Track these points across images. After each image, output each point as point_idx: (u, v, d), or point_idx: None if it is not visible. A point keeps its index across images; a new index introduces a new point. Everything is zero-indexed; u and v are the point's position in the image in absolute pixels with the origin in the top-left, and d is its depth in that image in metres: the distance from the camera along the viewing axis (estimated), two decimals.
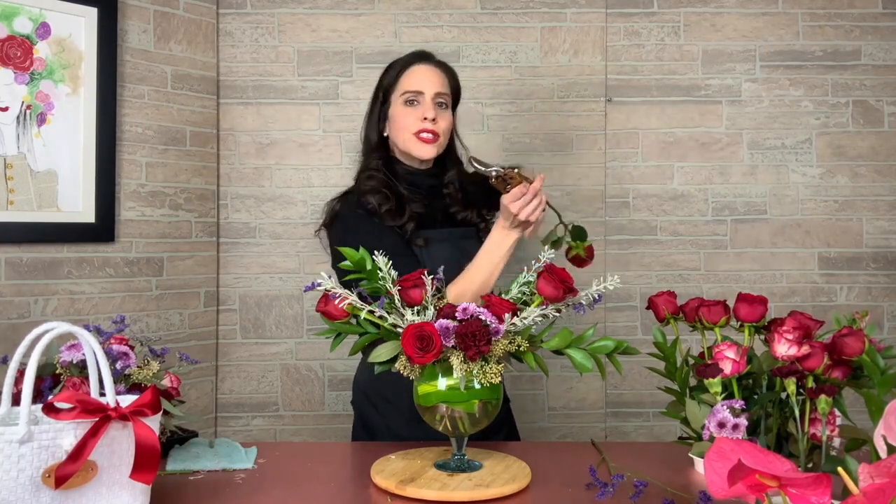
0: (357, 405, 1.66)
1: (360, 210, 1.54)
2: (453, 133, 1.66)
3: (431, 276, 1.21)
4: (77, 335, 0.99)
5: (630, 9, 2.43)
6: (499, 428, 1.60)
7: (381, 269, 1.21)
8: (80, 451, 0.93)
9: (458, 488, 1.11)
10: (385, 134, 1.63)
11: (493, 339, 1.12)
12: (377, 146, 1.62)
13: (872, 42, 2.42)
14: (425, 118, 1.54)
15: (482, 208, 1.67)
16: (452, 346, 1.12)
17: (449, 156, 1.66)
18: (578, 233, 1.52)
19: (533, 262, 1.24)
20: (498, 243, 1.45)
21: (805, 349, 1.14)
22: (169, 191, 2.26)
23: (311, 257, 2.41)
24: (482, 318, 1.13)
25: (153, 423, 1.01)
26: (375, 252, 1.22)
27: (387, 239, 1.45)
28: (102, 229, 2.09)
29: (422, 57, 1.61)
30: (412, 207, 1.54)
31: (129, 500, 1.00)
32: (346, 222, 1.54)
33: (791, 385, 1.11)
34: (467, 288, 1.41)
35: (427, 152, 1.56)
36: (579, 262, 1.51)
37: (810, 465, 1.13)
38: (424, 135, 1.55)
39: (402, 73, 1.59)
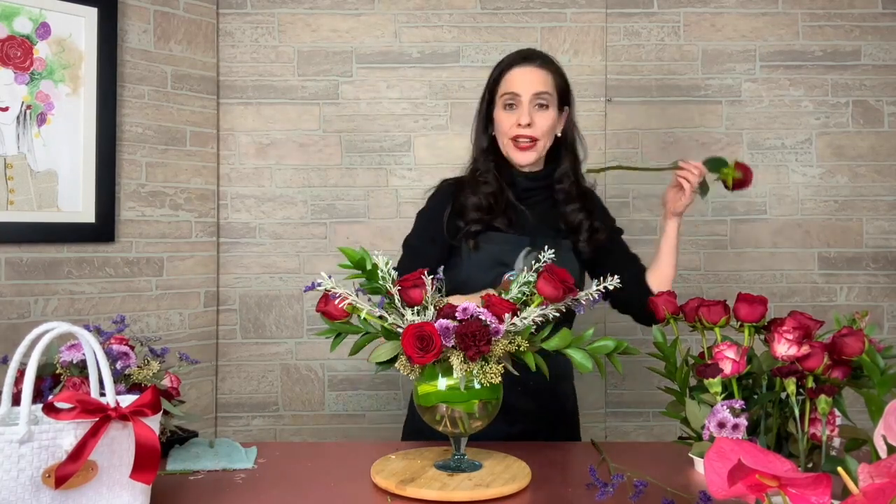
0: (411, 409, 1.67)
1: (438, 195, 1.63)
2: (571, 132, 1.63)
3: (431, 277, 1.21)
4: (77, 335, 0.99)
5: (630, 9, 2.43)
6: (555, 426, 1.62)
7: (381, 269, 1.21)
8: (80, 451, 0.93)
9: (458, 488, 1.11)
10: (493, 133, 1.62)
11: (493, 339, 1.12)
12: (487, 146, 1.62)
13: (872, 42, 2.42)
14: (520, 123, 1.53)
15: (594, 217, 1.64)
16: (452, 346, 1.12)
17: (564, 152, 1.63)
18: (714, 164, 1.56)
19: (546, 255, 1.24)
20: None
21: (805, 349, 1.14)
22: (169, 191, 2.26)
23: (311, 257, 2.42)
24: (482, 318, 1.13)
25: (153, 423, 1.01)
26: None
27: (425, 234, 1.60)
28: (102, 229, 2.09)
29: (523, 57, 1.58)
30: (505, 215, 1.56)
31: (129, 500, 1.00)
32: (427, 200, 1.66)
33: (791, 385, 1.11)
34: (675, 271, 1.66)
35: (524, 159, 1.56)
36: (741, 184, 1.56)
37: (810, 465, 1.13)
38: (521, 140, 1.55)
39: (503, 74, 1.58)
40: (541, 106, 1.55)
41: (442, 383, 1.16)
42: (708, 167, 1.56)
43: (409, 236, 1.65)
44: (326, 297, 1.22)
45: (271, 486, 1.18)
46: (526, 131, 1.53)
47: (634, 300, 1.59)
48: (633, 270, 1.64)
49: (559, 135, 1.61)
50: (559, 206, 1.62)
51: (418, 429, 1.60)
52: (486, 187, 1.57)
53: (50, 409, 0.94)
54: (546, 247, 1.28)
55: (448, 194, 1.62)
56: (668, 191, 1.63)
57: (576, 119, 1.66)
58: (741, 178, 1.53)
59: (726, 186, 1.59)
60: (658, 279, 1.62)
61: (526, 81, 1.55)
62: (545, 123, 1.55)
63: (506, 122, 1.55)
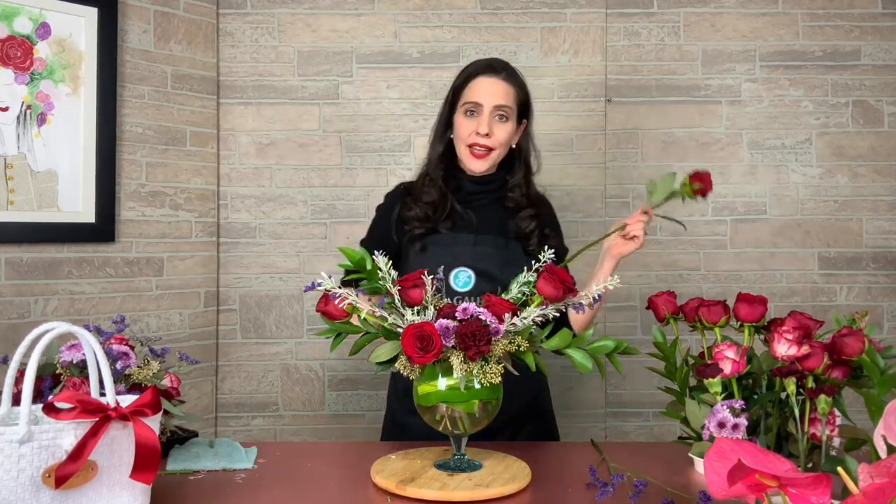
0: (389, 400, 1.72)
1: (390, 196, 1.73)
2: (526, 143, 1.68)
3: (431, 277, 1.21)
4: (77, 335, 1.00)
5: (630, 9, 2.43)
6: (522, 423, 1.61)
7: (381, 269, 1.21)
8: (80, 451, 0.93)
9: (458, 488, 1.11)
10: (451, 136, 1.66)
11: (493, 339, 1.12)
12: (444, 148, 1.66)
13: (872, 42, 2.42)
14: (478, 132, 1.57)
15: (545, 226, 1.66)
16: (452, 346, 1.12)
17: (518, 163, 1.67)
18: (662, 185, 1.48)
19: (533, 263, 1.24)
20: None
21: (805, 349, 1.14)
22: (169, 191, 2.26)
23: (311, 257, 2.41)
24: (482, 318, 1.13)
25: (153, 423, 1.01)
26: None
27: (375, 233, 1.71)
28: (102, 229, 2.09)
29: (489, 68, 1.61)
30: (448, 219, 1.62)
31: (129, 500, 1.00)
32: (383, 199, 1.76)
33: (791, 385, 1.11)
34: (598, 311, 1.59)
35: (478, 166, 1.61)
36: (702, 192, 1.46)
37: (810, 465, 1.13)
38: (477, 149, 1.59)
39: (468, 82, 1.61)
40: (500, 118, 1.59)
41: (442, 383, 1.16)
42: (659, 191, 1.48)
43: (365, 235, 1.76)
44: (326, 297, 1.22)
45: (271, 486, 1.18)
46: (483, 140, 1.58)
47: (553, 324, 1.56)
48: None
49: (514, 146, 1.66)
50: (510, 214, 1.65)
51: (398, 424, 1.65)
52: (428, 196, 1.63)
53: (50, 409, 0.94)
54: (540, 249, 1.29)
55: (398, 196, 1.70)
56: (615, 238, 1.57)
57: (532, 132, 1.69)
58: (700, 188, 1.46)
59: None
60: (575, 313, 1.56)
61: (489, 92, 1.58)
62: (502, 135, 1.59)
63: (465, 129, 1.60)
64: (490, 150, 1.59)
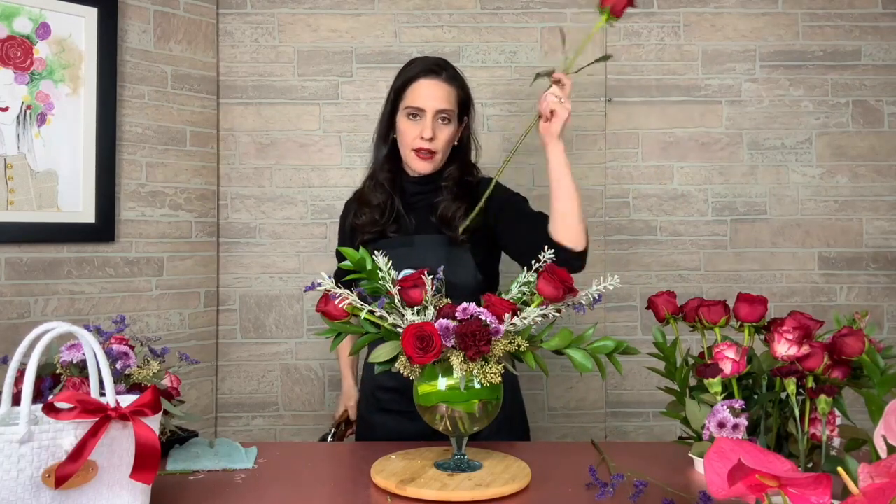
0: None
1: (344, 209, 1.78)
2: (467, 138, 1.69)
3: (431, 277, 1.21)
4: (77, 335, 0.99)
5: (630, 9, 2.42)
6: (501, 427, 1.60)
7: (381, 270, 1.21)
8: (80, 451, 0.93)
9: (458, 488, 1.11)
10: (394, 136, 1.66)
11: (493, 339, 1.12)
12: (388, 149, 1.67)
13: (872, 42, 2.42)
14: (423, 136, 1.57)
15: (468, 210, 1.62)
16: (452, 346, 1.12)
17: (455, 156, 1.67)
18: (581, 46, 1.50)
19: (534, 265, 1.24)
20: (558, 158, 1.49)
21: (805, 349, 1.14)
22: (169, 191, 2.26)
23: (311, 257, 2.41)
24: (482, 318, 1.13)
25: (153, 423, 1.01)
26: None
27: (341, 243, 1.74)
28: (102, 229, 2.09)
29: (430, 71, 1.60)
30: (395, 223, 1.64)
31: (129, 500, 1.00)
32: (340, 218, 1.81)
33: (791, 385, 1.11)
34: (575, 200, 1.47)
35: (423, 168, 1.62)
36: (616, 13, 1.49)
37: (810, 465, 1.13)
38: (422, 153, 1.60)
39: (409, 85, 1.60)
40: (443, 120, 1.60)
41: (442, 383, 1.16)
42: (579, 51, 1.52)
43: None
44: (326, 297, 1.22)
45: (271, 486, 1.18)
46: (427, 144, 1.58)
47: (523, 247, 1.50)
48: (531, 224, 1.54)
49: (456, 143, 1.66)
50: (438, 197, 1.64)
51: (364, 419, 1.70)
52: (375, 199, 1.65)
53: (50, 409, 0.94)
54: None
55: (350, 205, 1.75)
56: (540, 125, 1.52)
57: (474, 126, 1.70)
58: (612, 9, 1.49)
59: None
60: (554, 220, 1.48)
61: (431, 97, 1.58)
62: (445, 137, 1.60)
63: (409, 134, 1.60)
64: (433, 153, 1.60)
